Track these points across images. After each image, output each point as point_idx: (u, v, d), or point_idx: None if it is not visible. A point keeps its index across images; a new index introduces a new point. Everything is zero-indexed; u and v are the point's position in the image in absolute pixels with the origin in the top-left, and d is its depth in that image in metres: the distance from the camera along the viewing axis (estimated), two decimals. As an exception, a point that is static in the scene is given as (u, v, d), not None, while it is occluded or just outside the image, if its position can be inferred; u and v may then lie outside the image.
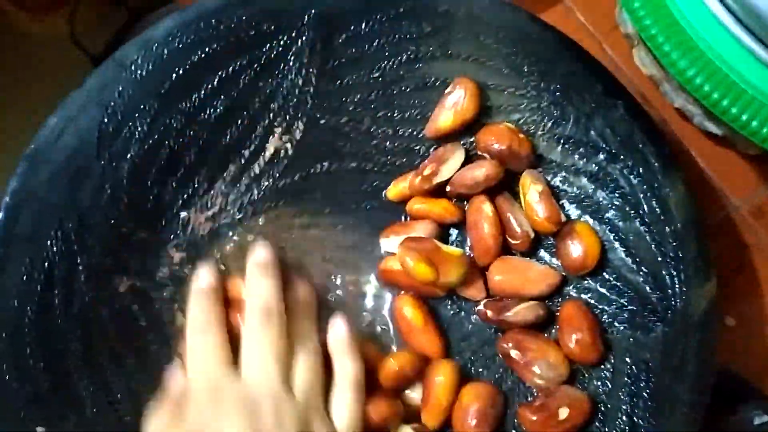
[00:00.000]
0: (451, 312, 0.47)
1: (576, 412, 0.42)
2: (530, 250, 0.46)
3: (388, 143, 0.49)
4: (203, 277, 0.44)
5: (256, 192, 0.49)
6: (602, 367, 0.44)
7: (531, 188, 0.45)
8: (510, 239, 0.46)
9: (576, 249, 0.44)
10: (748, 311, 0.50)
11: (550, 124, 0.47)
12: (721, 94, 0.40)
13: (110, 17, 1.17)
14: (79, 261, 0.45)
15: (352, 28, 0.49)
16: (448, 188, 0.47)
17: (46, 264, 0.44)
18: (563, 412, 0.42)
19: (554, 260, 0.47)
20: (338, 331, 0.43)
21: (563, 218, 0.45)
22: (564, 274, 0.46)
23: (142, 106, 0.47)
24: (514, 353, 0.43)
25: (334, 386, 0.42)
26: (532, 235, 0.46)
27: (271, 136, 0.49)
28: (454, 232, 0.49)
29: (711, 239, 0.50)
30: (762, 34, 0.39)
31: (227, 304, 0.44)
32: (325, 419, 0.41)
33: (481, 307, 0.45)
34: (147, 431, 0.41)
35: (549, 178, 0.47)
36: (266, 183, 0.49)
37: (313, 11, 0.48)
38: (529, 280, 0.45)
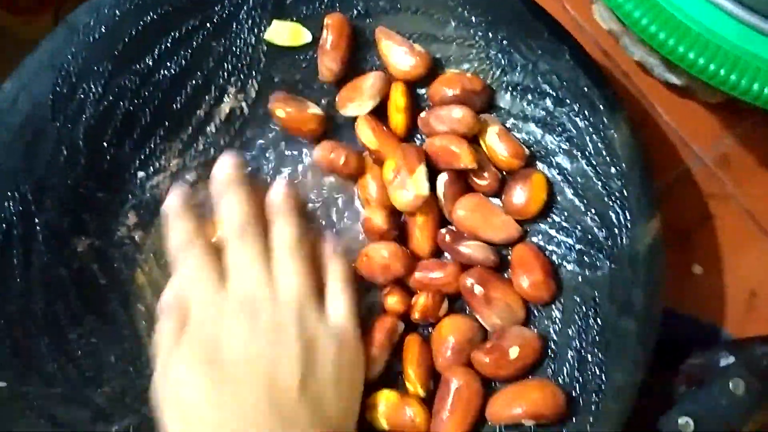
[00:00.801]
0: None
1: (526, 351, 0.43)
2: (498, 191, 0.47)
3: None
4: (173, 198, 0.44)
5: (213, 151, 0.50)
6: (553, 306, 0.45)
7: (488, 131, 0.46)
8: (478, 181, 0.46)
9: (519, 196, 0.45)
10: (715, 260, 0.50)
11: (498, 72, 0.48)
12: (676, 40, 0.40)
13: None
14: (37, 222, 0.46)
15: (303, -16, 0.49)
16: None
17: (4, 225, 0.45)
18: (513, 352, 0.43)
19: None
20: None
21: (527, 151, 0.46)
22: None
23: (95, 68, 0.47)
24: (477, 289, 0.44)
25: (325, 285, 0.43)
26: (500, 174, 0.46)
27: (226, 95, 0.50)
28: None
29: (677, 190, 0.51)
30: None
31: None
32: (321, 317, 0.41)
33: (443, 230, 0.46)
34: (157, 348, 0.41)
35: (498, 125, 0.48)
36: (223, 141, 0.50)
37: (263, -30, 0.49)
38: (491, 224, 0.45)
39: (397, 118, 0.48)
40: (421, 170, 0.45)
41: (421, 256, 0.47)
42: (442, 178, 0.46)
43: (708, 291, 0.50)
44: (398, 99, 0.47)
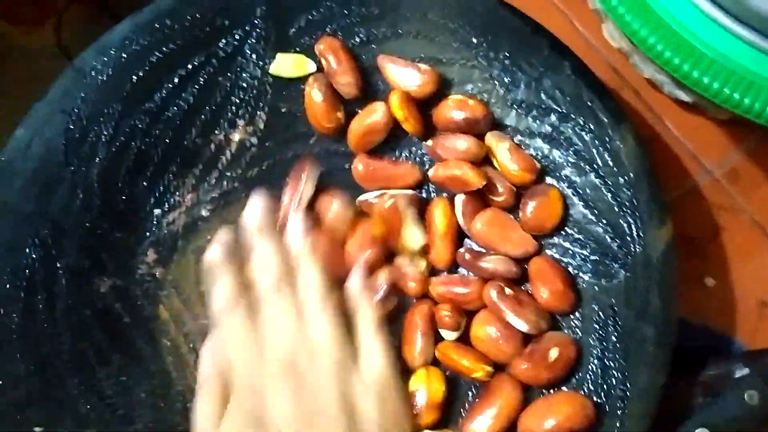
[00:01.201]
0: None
1: (565, 352, 0.44)
2: (513, 205, 0.48)
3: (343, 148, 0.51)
4: (216, 251, 0.43)
5: (226, 183, 0.51)
6: (572, 316, 0.46)
7: (499, 147, 0.47)
8: (493, 198, 0.47)
9: (537, 212, 0.46)
10: (727, 272, 0.52)
11: (502, 91, 0.49)
12: (682, 60, 0.41)
13: (96, 26, 1.17)
14: (58, 265, 0.46)
15: (304, 16, 0.50)
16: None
17: (27, 271, 0.46)
18: (553, 353, 0.44)
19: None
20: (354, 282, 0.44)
21: (538, 165, 0.47)
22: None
23: (105, 110, 0.48)
24: (507, 291, 0.45)
25: (357, 331, 0.42)
26: (514, 188, 0.47)
27: (235, 129, 0.50)
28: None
29: (688, 204, 0.52)
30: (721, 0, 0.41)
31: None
32: (358, 373, 0.41)
33: (462, 250, 0.47)
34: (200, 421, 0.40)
35: (506, 143, 0.49)
36: (236, 173, 0.51)
37: (263, 3, 0.50)
38: (509, 239, 0.46)
39: (407, 127, 0.49)
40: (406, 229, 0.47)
41: (440, 268, 0.48)
42: (460, 198, 0.47)
43: (720, 302, 0.51)
44: (396, 112, 0.48)
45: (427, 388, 0.45)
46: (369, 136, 0.49)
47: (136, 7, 1.04)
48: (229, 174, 0.51)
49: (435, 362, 0.47)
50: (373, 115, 0.49)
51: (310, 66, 0.50)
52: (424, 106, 0.49)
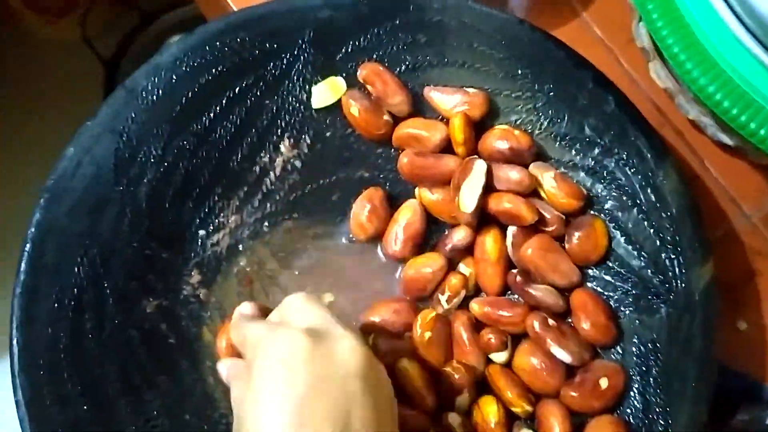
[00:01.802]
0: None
1: (615, 381, 0.45)
2: (563, 233, 0.48)
3: (392, 151, 0.51)
4: (245, 307, 0.45)
5: (269, 206, 0.51)
6: (612, 350, 0.47)
7: (544, 177, 0.48)
8: (545, 228, 0.48)
9: (583, 243, 0.47)
10: (760, 316, 0.53)
11: (546, 123, 0.50)
12: (732, 104, 0.43)
13: (121, 20, 1.17)
14: (106, 285, 0.47)
15: (351, 42, 0.51)
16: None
17: (75, 290, 0.46)
18: (604, 382, 0.45)
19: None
20: None
21: (585, 191, 0.48)
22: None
23: (155, 131, 0.48)
24: (551, 322, 0.46)
25: None
26: (564, 217, 0.48)
27: (280, 152, 0.51)
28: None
29: (724, 247, 0.53)
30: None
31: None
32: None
33: (514, 271, 0.48)
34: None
35: (550, 175, 0.50)
36: (278, 197, 0.51)
37: (310, 29, 0.50)
38: (557, 269, 0.47)
39: (459, 150, 0.49)
40: (464, 190, 0.47)
41: (491, 292, 0.48)
42: (512, 230, 0.48)
43: (753, 346, 0.52)
44: (456, 133, 0.49)
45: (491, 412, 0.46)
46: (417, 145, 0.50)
47: (165, 4, 1.04)
48: (272, 197, 0.51)
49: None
50: (433, 132, 0.49)
51: (343, 84, 0.51)
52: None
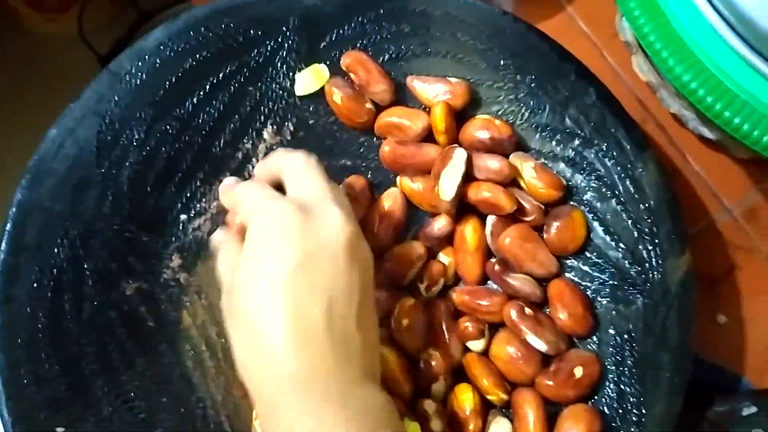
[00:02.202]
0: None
1: (590, 370, 0.46)
2: (542, 223, 0.49)
3: (375, 140, 0.51)
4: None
5: (251, 192, 0.51)
6: (589, 339, 0.47)
7: (524, 167, 0.48)
8: (523, 218, 0.48)
9: (561, 233, 0.47)
10: (740, 310, 0.53)
11: (527, 114, 0.50)
12: (714, 99, 0.43)
13: (119, 18, 1.17)
14: (86, 266, 0.47)
15: (335, 30, 0.51)
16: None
17: (55, 271, 0.46)
18: (578, 371, 0.45)
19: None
20: None
21: (564, 182, 0.48)
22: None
23: (138, 115, 0.49)
24: (527, 311, 0.46)
25: None
26: (543, 207, 0.48)
27: (263, 138, 0.51)
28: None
29: (705, 241, 0.54)
30: (754, 41, 0.42)
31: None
32: None
33: (492, 261, 0.48)
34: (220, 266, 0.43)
35: (530, 165, 0.50)
36: (260, 183, 0.51)
37: (296, 16, 0.50)
38: (535, 258, 0.47)
39: (440, 139, 0.50)
40: (443, 178, 0.47)
41: (470, 281, 0.49)
42: (491, 219, 0.48)
43: (731, 340, 0.52)
44: (438, 122, 0.49)
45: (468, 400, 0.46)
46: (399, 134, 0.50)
47: (158, 1, 1.04)
48: (254, 182, 0.51)
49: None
50: (415, 121, 0.49)
51: (326, 72, 0.51)
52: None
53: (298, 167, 0.43)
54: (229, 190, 0.45)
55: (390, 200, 0.50)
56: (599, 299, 0.48)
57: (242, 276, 0.39)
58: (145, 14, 1.17)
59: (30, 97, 1.12)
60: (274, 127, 0.51)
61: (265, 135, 0.51)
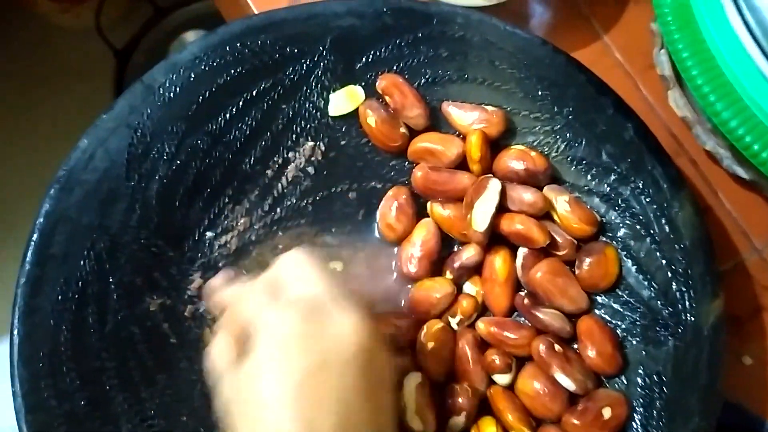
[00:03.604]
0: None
1: (618, 411, 0.45)
2: (574, 258, 0.48)
3: (406, 164, 0.51)
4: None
5: (279, 211, 0.51)
6: (616, 379, 0.46)
7: (558, 200, 0.48)
8: (556, 252, 0.48)
9: (594, 269, 0.47)
10: (765, 352, 0.53)
11: (563, 146, 0.50)
12: (753, 138, 0.42)
13: (136, 12, 1.17)
14: (111, 279, 0.46)
15: (371, 52, 0.50)
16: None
17: (80, 283, 0.45)
18: (606, 412, 0.45)
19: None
20: None
21: (598, 217, 0.48)
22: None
23: (169, 128, 0.48)
24: (557, 347, 0.45)
25: None
26: (576, 242, 0.48)
27: (294, 157, 0.51)
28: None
29: (733, 280, 0.53)
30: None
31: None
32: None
33: (522, 293, 0.47)
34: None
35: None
36: (289, 202, 0.51)
37: (332, 36, 0.50)
38: (565, 294, 0.47)
39: (474, 168, 0.49)
40: (477, 208, 0.47)
41: (497, 312, 0.48)
42: (522, 251, 0.47)
43: (756, 382, 0.52)
44: (473, 150, 0.48)
45: None
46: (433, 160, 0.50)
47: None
48: (282, 202, 0.51)
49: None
50: (449, 147, 0.49)
51: (361, 94, 0.51)
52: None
53: (299, 265, 0.40)
54: (220, 291, 0.43)
55: (424, 230, 0.49)
56: (629, 339, 0.47)
57: (253, 388, 0.36)
58: (161, 10, 1.17)
59: (45, 88, 1.12)
60: (306, 146, 0.51)
61: (296, 154, 0.51)
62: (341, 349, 0.37)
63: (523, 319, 0.48)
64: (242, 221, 0.50)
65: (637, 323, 0.47)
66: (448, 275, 0.49)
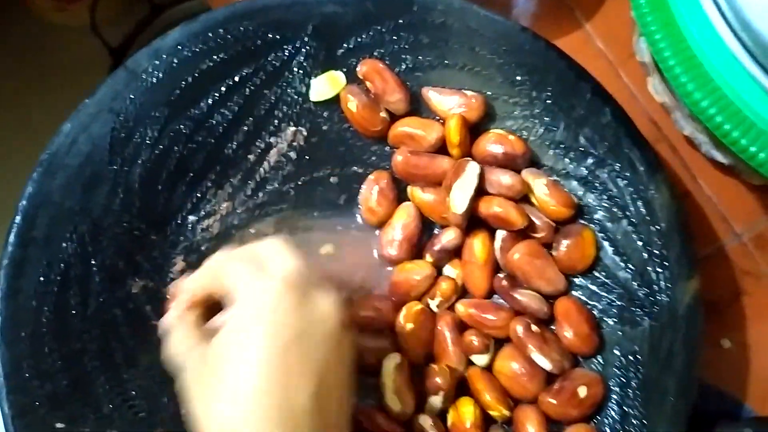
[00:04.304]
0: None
1: (594, 390, 0.45)
2: (552, 240, 0.48)
3: (387, 149, 0.51)
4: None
5: (261, 195, 0.51)
6: (593, 359, 0.47)
7: (536, 183, 0.48)
8: (533, 234, 0.48)
9: (571, 251, 0.47)
10: (745, 336, 0.53)
11: (542, 130, 0.50)
12: (731, 125, 0.43)
13: (131, 10, 1.18)
14: (93, 262, 0.47)
15: (353, 38, 0.51)
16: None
17: (62, 266, 0.46)
18: (582, 391, 0.45)
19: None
20: None
21: (576, 200, 0.48)
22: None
23: (152, 113, 0.49)
24: (534, 328, 0.46)
25: None
26: (554, 224, 0.48)
27: (276, 142, 0.51)
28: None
29: (713, 265, 0.54)
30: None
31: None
32: None
33: (501, 275, 0.48)
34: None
35: (542, 182, 0.50)
36: (271, 187, 0.51)
37: (314, 22, 0.50)
38: (543, 275, 0.47)
39: (453, 152, 0.49)
40: (455, 191, 0.47)
41: (476, 295, 0.49)
42: (500, 234, 0.48)
43: (735, 365, 0.52)
44: (452, 134, 0.49)
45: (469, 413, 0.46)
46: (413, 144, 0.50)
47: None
48: (264, 186, 0.51)
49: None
50: (429, 132, 0.49)
51: (342, 79, 0.51)
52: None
53: (276, 250, 0.41)
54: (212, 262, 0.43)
55: (404, 214, 0.50)
56: (606, 319, 0.47)
57: (226, 354, 0.38)
58: (157, 8, 1.17)
59: (39, 86, 1.12)
60: (288, 132, 0.51)
61: (278, 139, 0.51)
62: (320, 324, 0.39)
63: (501, 301, 0.49)
64: (225, 205, 0.50)
65: (614, 304, 0.47)
66: (428, 258, 0.49)
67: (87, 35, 1.16)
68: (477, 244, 0.48)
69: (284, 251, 0.41)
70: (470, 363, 0.48)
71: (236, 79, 0.50)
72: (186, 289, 0.42)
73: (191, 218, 0.50)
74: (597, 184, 0.49)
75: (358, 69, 0.51)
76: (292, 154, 0.51)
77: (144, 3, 1.17)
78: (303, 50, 0.51)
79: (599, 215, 0.49)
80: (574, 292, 0.49)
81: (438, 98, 0.50)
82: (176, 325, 0.42)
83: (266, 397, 0.36)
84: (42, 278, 0.45)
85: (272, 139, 0.51)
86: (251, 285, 0.39)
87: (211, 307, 0.42)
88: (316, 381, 0.37)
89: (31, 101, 1.12)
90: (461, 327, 0.48)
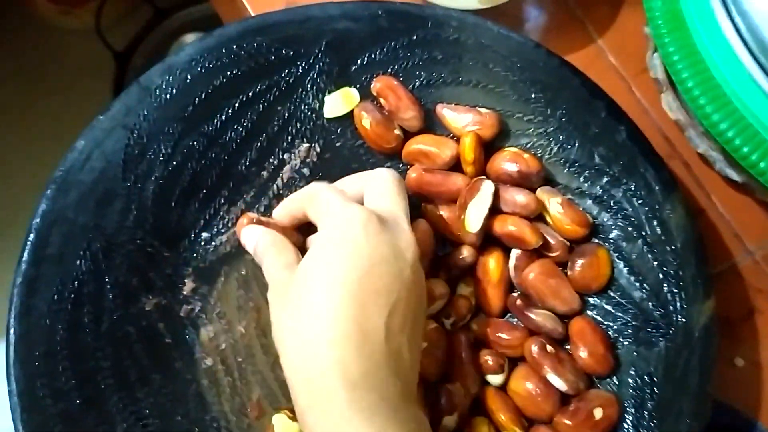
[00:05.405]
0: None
1: (609, 411, 0.45)
2: (567, 259, 0.48)
3: (401, 166, 0.51)
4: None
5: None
6: (608, 380, 0.47)
7: (551, 202, 0.48)
8: (548, 253, 0.48)
9: (585, 271, 0.47)
10: (757, 354, 0.53)
11: (556, 148, 0.50)
12: (743, 141, 0.43)
13: (136, 15, 1.18)
14: (107, 280, 0.46)
15: (366, 54, 0.51)
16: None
17: (76, 283, 0.46)
18: (598, 412, 0.45)
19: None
20: None
21: (590, 219, 0.48)
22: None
23: (166, 129, 0.48)
24: (549, 348, 0.46)
25: None
26: (568, 243, 0.48)
27: (289, 159, 0.51)
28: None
29: (725, 282, 0.54)
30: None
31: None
32: None
33: (515, 294, 0.48)
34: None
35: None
36: (284, 203, 0.51)
37: (328, 38, 0.50)
38: (558, 295, 0.47)
39: (468, 170, 0.49)
40: (470, 210, 0.47)
41: (490, 313, 0.49)
42: (515, 253, 0.48)
43: (747, 383, 0.52)
44: (467, 152, 0.49)
45: None
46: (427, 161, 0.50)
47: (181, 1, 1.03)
48: (278, 203, 0.51)
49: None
50: (443, 149, 0.49)
51: (356, 96, 0.51)
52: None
53: (384, 181, 0.44)
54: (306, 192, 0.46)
55: (419, 231, 0.49)
56: (621, 340, 0.47)
57: (311, 272, 0.40)
58: (161, 12, 1.18)
59: (43, 89, 1.12)
60: (301, 148, 0.51)
61: (292, 155, 0.51)
62: (402, 254, 0.41)
63: (516, 320, 0.49)
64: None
65: (629, 324, 0.47)
66: (442, 276, 0.49)
67: (91, 39, 1.17)
68: (491, 262, 0.48)
69: (386, 190, 0.44)
70: (485, 382, 0.48)
71: (249, 95, 0.50)
72: (281, 210, 0.47)
73: (204, 235, 0.50)
74: (612, 204, 0.49)
75: (372, 86, 0.51)
76: (306, 171, 0.51)
77: (148, 7, 1.18)
78: (316, 66, 0.50)
79: (614, 234, 0.49)
80: (588, 312, 0.48)
81: (452, 115, 0.50)
82: (273, 244, 0.44)
83: (345, 316, 0.38)
84: (55, 296, 0.45)
85: (285, 156, 0.51)
86: (339, 212, 0.41)
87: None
88: (389, 309, 0.39)
89: (36, 104, 1.13)
90: (476, 346, 0.48)
